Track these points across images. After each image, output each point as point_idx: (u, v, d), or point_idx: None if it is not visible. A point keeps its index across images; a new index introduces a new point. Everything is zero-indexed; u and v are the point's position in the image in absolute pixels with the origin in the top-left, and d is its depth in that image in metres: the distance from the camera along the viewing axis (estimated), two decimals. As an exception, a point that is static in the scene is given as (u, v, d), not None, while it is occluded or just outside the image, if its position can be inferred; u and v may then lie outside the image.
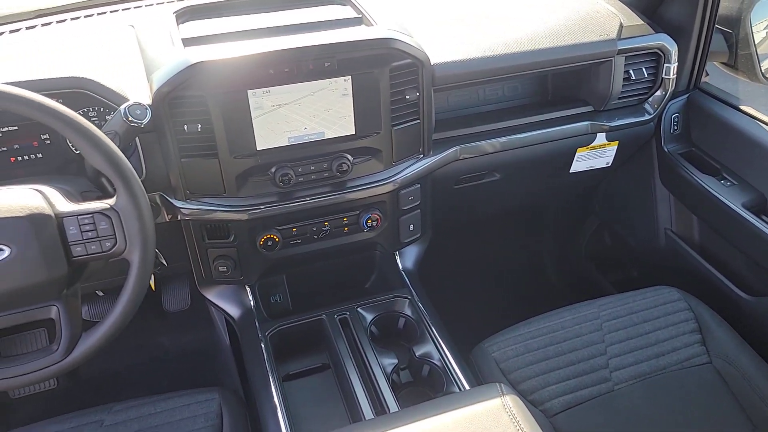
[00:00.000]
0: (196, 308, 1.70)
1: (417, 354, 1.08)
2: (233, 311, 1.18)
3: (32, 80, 0.88)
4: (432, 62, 1.10)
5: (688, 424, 1.03)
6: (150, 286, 1.05)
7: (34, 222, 0.77)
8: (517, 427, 0.77)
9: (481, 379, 1.07)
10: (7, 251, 0.75)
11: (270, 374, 1.03)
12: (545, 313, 1.21)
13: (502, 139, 1.26)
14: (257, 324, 1.13)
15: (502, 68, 1.18)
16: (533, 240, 1.90)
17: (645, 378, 1.09)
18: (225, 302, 1.19)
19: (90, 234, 0.79)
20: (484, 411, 0.79)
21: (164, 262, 1.05)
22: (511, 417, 0.79)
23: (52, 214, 0.78)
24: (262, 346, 1.08)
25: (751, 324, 1.23)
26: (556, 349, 1.13)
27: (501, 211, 1.60)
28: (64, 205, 0.81)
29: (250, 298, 1.18)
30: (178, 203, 1.05)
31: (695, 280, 1.36)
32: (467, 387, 1.00)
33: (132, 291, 0.82)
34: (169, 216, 1.06)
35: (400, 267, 1.26)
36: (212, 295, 1.19)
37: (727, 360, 1.11)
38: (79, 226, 0.79)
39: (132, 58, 1.08)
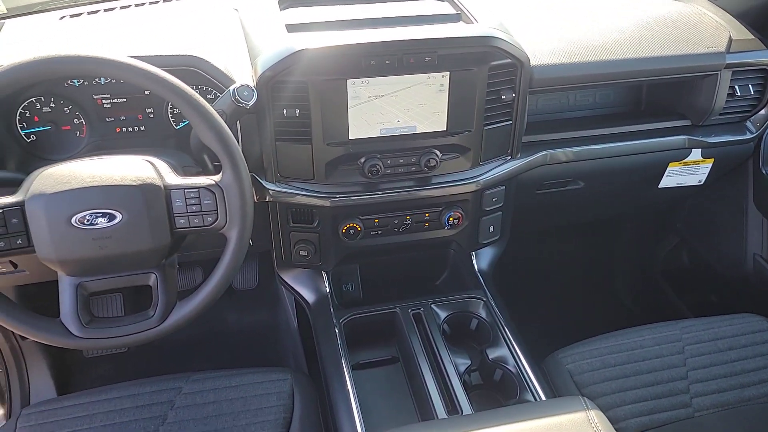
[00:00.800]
0: (263, 289, 1.74)
1: (490, 357, 1.07)
2: (308, 296, 1.20)
3: (151, 56, 0.91)
4: (532, 64, 1.08)
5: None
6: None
7: (146, 192, 0.80)
8: None
9: (554, 389, 1.05)
10: (119, 217, 0.79)
11: (343, 361, 1.04)
12: (623, 330, 1.17)
13: (593, 147, 1.23)
14: (332, 311, 1.14)
15: (602, 75, 1.15)
16: (607, 252, 1.84)
17: (728, 408, 1.05)
18: (301, 286, 1.21)
19: (194, 208, 0.82)
20: (569, 424, 0.77)
21: (251, 241, 1.08)
22: (592, 424, 0.76)
23: (162, 186, 0.81)
24: (336, 332, 1.10)
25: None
26: (635, 368, 1.09)
27: (579, 220, 1.56)
28: (172, 178, 0.84)
29: (326, 284, 1.20)
30: (267, 184, 1.08)
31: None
32: (542, 396, 0.98)
33: (227, 266, 0.84)
34: (258, 196, 1.09)
35: (476, 268, 1.25)
36: (289, 278, 1.21)
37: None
38: (185, 199, 0.82)
39: (236, 40, 1.11)
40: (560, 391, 1.04)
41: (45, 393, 1.48)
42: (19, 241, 0.78)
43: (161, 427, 0.97)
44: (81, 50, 0.76)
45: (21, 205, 0.77)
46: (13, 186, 0.83)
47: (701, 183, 1.37)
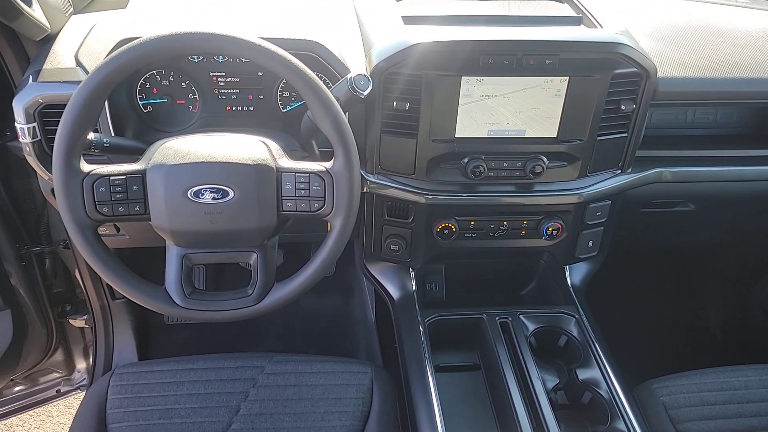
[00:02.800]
0: (340, 277, 1.75)
1: (580, 377, 1.02)
2: (393, 291, 1.18)
3: (275, 38, 0.92)
4: (658, 75, 1.02)
5: None
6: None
7: (259, 172, 0.81)
8: None
9: (647, 422, 0.99)
10: (231, 194, 0.80)
11: (426, 361, 1.02)
12: (725, 367, 1.09)
13: (711, 169, 1.15)
14: (417, 309, 1.13)
15: (735, 93, 1.07)
16: (704, 283, 1.74)
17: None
18: (387, 280, 1.20)
19: (303, 192, 0.82)
20: None
21: None
22: None
23: (274, 168, 0.82)
24: (421, 330, 1.08)
25: None
26: (737, 410, 1.02)
27: (682, 245, 1.47)
28: (284, 161, 0.84)
29: (413, 282, 1.18)
30: (366, 175, 1.07)
31: None
32: (636, 427, 0.93)
33: (328, 253, 0.84)
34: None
35: (569, 282, 1.19)
36: (375, 271, 1.20)
37: None
38: (295, 183, 0.82)
39: (351, 29, 1.11)
40: (653, 424, 0.98)
41: (126, 354, 1.55)
42: (137, 208, 0.80)
43: (243, 404, 0.99)
44: (212, 28, 0.78)
45: (143, 173, 0.79)
46: (134, 153, 0.86)
47: (824, 215, 1.26)
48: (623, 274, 1.61)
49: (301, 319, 1.71)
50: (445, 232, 1.10)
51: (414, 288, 1.18)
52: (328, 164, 0.83)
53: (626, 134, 1.06)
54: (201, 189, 0.79)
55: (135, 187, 0.79)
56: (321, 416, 0.98)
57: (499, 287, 1.31)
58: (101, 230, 1.16)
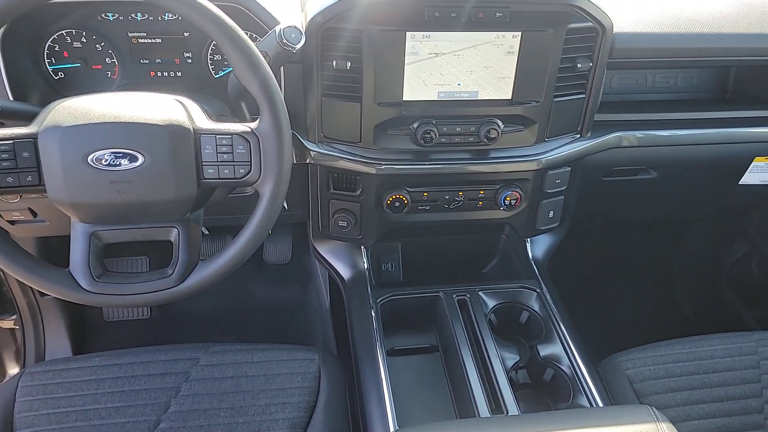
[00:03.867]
0: (296, 264, 1.65)
1: (541, 354, 0.96)
2: (344, 271, 1.10)
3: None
4: (614, 30, 0.96)
5: None
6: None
7: (173, 134, 0.71)
8: None
9: (611, 396, 0.93)
10: (141, 159, 0.70)
11: (378, 345, 0.94)
12: (690, 337, 1.05)
13: (671, 133, 1.10)
14: (369, 290, 1.04)
15: (692, 49, 1.01)
16: (670, 254, 1.70)
17: (810, 435, 0.92)
18: (336, 260, 1.11)
19: (225, 156, 0.73)
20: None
21: (285, 205, 0.98)
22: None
23: (191, 129, 0.72)
24: (372, 313, 1.00)
25: None
26: (703, 380, 0.97)
27: (647, 216, 1.43)
28: (204, 121, 0.74)
29: (365, 260, 1.10)
30: (309, 145, 0.98)
31: None
32: (599, 402, 0.87)
33: (257, 226, 0.75)
34: (297, 157, 0.99)
35: (530, 255, 1.13)
36: (324, 251, 1.12)
37: None
38: (216, 146, 0.72)
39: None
40: (618, 398, 0.93)
41: (61, 354, 1.43)
42: (29, 178, 0.69)
43: (173, 400, 0.89)
44: None
45: (34, 137, 0.68)
46: (29, 119, 0.75)
47: (788, 182, 1.23)
48: (588, 248, 1.57)
49: (255, 311, 1.61)
50: (397, 204, 1.02)
51: (366, 267, 1.09)
52: (253, 124, 0.73)
53: (584, 95, 1.00)
54: (104, 154, 0.69)
55: (26, 154, 0.68)
56: (262, 409, 0.89)
57: (459, 266, 1.24)
58: (15, 216, 1.04)
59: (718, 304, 1.60)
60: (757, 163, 1.19)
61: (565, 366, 0.94)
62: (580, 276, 1.51)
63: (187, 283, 0.76)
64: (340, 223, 1.05)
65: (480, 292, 1.05)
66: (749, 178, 1.21)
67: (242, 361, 0.95)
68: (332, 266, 1.11)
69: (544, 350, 0.97)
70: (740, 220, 1.49)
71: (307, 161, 1.00)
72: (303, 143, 0.98)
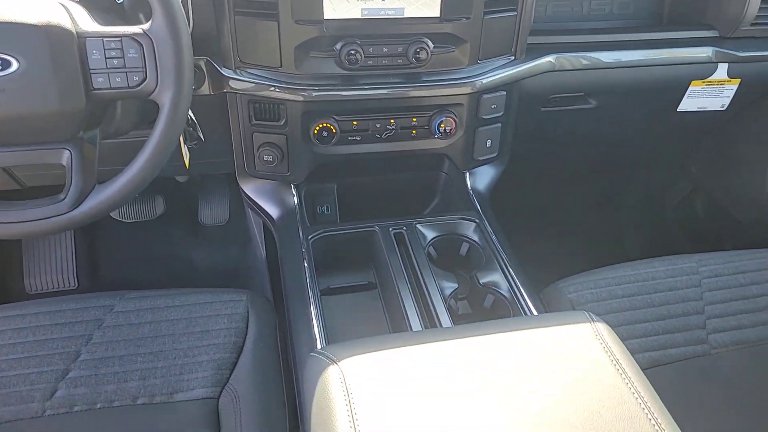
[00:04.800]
0: (234, 225, 1.57)
1: (481, 281, 0.92)
2: (273, 210, 1.03)
3: None
4: (545, -63, 0.91)
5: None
6: (184, 162, 0.92)
7: (52, 36, 0.62)
8: (612, 359, 0.60)
9: (554, 319, 0.90)
10: (15, 65, 0.61)
11: (308, 282, 0.88)
12: (633, 261, 1.03)
13: (607, 54, 1.06)
14: (299, 226, 0.98)
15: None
16: (615, 199, 1.69)
17: (750, 346, 0.92)
18: (264, 199, 1.04)
19: (116, 62, 0.65)
20: (569, 334, 0.62)
21: (202, 137, 0.91)
22: (604, 346, 0.62)
23: (74, 32, 0.64)
24: (303, 250, 0.94)
25: None
26: (645, 300, 0.95)
27: (587, 153, 1.40)
28: (89, 24, 0.66)
29: (294, 196, 1.03)
30: (226, 72, 0.91)
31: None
32: (541, 323, 0.83)
33: (158, 142, 0.68)
34: (214, 88, 0.92)
35: (469, 187, 1.08)
36: (251, 190, 1.04)
37: None
38: (104, 51, 0.65)
39: None
40: (561, 322, 0.90)
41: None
42: None
43: (84, 348, 0.81)
44: None
45: None
46: None
47: (724, 108, 1.22)
48: (530, 187, 1.54)
49: (193, 278, 1.53)
50: (324, 134, 0.96)
51: (296, 204, 1.03)
52: (146, 25, 0.66)
53: (515, 12, 0.95)
54: None
55: None
56: (184, 352, 0.82)
57: (400, 207, 1.18)
58: None
59: (663, 241, 1.60)
60: (694, 87, 1.17)
61: (505, 291, 0.90)
62: (523, 211, 1.48)
63: (83, 208, 0.68)
64: (266, 158, 0.98)
65: (418, 226, 1.00)
66: (687, 104, 1.20)
67: (162, 306, 0.87)
68: (260, 206, 1.04)
69: (484, 278, 0.93)
70: (684, 159, 1.49)
71: (225, 90, 0.92)
72: (219, 71, 0.91)
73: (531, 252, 1.16)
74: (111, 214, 1.53)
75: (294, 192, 1.04)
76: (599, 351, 0.61)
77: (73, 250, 1.43)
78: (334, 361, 0.58)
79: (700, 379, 0.88)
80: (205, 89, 0.92)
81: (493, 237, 0.98)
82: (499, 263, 0.94)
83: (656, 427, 0.54)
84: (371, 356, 0.59)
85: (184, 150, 0.91)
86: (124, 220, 1.51)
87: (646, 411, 0.55)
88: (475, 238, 1.00)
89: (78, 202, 0.68)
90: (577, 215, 1.67)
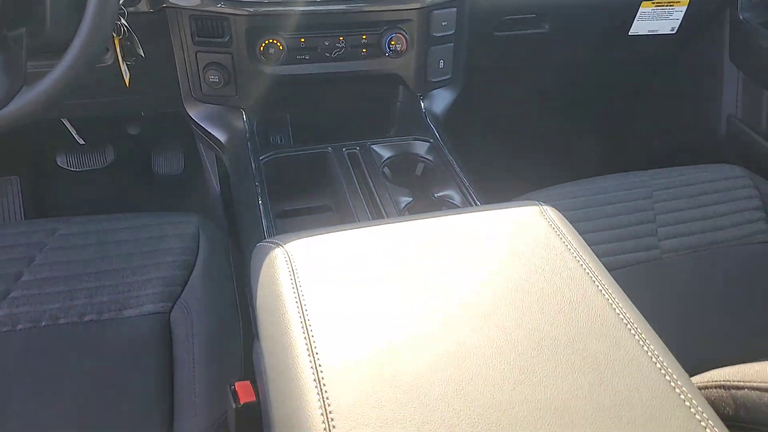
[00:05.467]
0: (190, 174, 1.54)
1: (436, 195, 0.92)
2: (221, 135, 1.00)
3: None
4: None
5: (741, 300, 0.88)
6: (124, 80, 0.88)
7: None
8: (559, 234, 0.60)
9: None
10: None
11: (260, 204, 0.86)
12: (587, 179, 1.04)
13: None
14: (249, 149, 0.96)
15: None
16: (570, 121, 1.68)
17: (697, 250, 0.94)
18: (213, 125, 1.01)
19: None
20: (515, 215, 0.62)
21: (141, 53, 0.87)
22: (552, 225, 0.61)
23: None
24: (254, 172, 0.91)
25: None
26: (600, 211, 0.96)
27: (544, 80, 1.40)
28: None
29: (245, 121, 1.00)
30: (163, -15, 0.87)
31: (760, 166, 1.18)
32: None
33: (87, 34, 0.64)
34: (153, 4, 0.88)
35: (423, 109, 1.07)
36: (199, 116, 1.01)
37: (799, 240, 0.95)
38: None
39: None
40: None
41: None
42: None
43: (26, 269, 0.78)
44: None
45: None
46: None
47: (674, 32, 1.23)
48: (487, 112, 1.52)
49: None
50: (271, 51, 0.93)
51: (246, 128, 1.00)
52: None
53: None
54: None
55: None
56: (133, 271, 0.80)
57: (355, 137, 1.17)
58: None
59: (619, 165, 1.61)
60: (644, 9, 1.18)
61: (458, 202, 0.90)
62: (479, 134, 1.47)
63: (10, 108, 0.64)
64: (212, 79, 0.95)
65: (372, 146, 0.98)
66: (638, 26, 1.21)
67: (108, 229, 0.85)
68: (208, 132, 1.01)
69: (439, 193, 0.92)
70: (638, 94, 1.50)
71: (164, 6, 0.88)
72: None
73: (487, 172, 1.16)
74: (59, 163, 1.48)
75: (244, 117, 1.01)
76: (547, 229, 0.61)
77: (20, 199, 1.38)
78: (279, 245, 0.56)
79: (651, 281, 0.90)
80: (143, 6, 0.88)
81: (449, 156, 0.98)
82: (454, 180, 0.93)
83: (613, 305, 0.54)
84: (317, 239, 0.57)
85: (123, 68, 0.87)
86: (72, 169, 1.46)
87: (601, 290, 0.55)
88: (431, 157, 0.99)
89: (4, 102, 0.64)
90: (535, 139, 1.64)
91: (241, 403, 0.61)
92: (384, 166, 0.98)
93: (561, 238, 0.60)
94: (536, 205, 0.64)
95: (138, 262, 0.81)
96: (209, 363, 0.72)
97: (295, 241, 0.57)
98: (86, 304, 0.75)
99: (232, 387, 0.62)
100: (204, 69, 0.94)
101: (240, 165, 0.93)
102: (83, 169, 1.45)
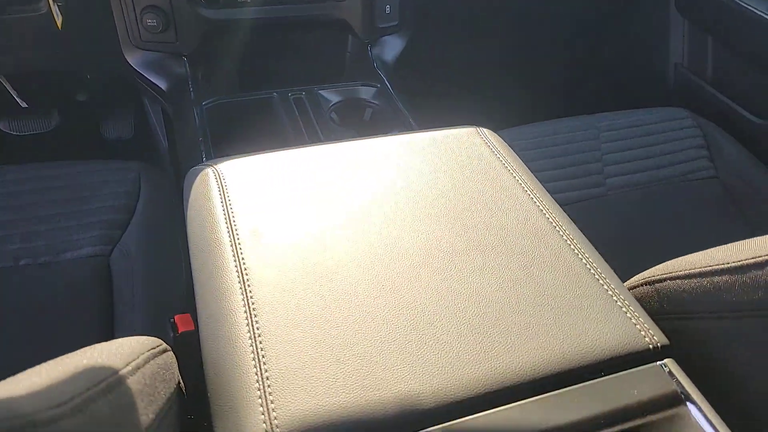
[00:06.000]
0: (140, 138, 1.49)
1: (384, 137, 0.91)
2: (162, 82, 0.97)
3: None
4: None
5: (685, 232, 0.90)
6: (56, 23, 0.85)
7: None
8: (493, 150, 0.60)
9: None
10: None
11: (203, 150, 0.84)
12: (536, 123, 1.04)
13: None
14: (192, 95, 0.93)
15: None
16: (525, 76, 1.66)
17: (642, 187, 0.96)
18: (152, 72, 0.98)
19: None
20: (451, 135, 0.62)
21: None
22: (487, 142, 0.62)
23: None
24: (196, 118, 0.89)
25: (764, 147, 1.09)
26: (547, 152, 0.97)
27: (498, 26, 1.38)
28: None
29: (187, 68, 0.98)
30: None
31: (705, 112, 1.21)
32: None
33: None
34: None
35: (372, 56, 1.06)
36: (138, 63, 0.98)
37: (739, 175, 0.97)
38: None
39: None
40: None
41: None
42: None
43: (-45, 215, 0.75)
44: None
45: None
46: None
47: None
48: (440, 54, 1.49)
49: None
50: (210, -8, 0.91)
51: (188, 73, 0.97)
52: None
53: None
54: None
55: None
56: (70, 216, 0.77)
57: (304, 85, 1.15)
58: None
59: (570, 106, 1.60)
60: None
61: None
62: (431, 82, 1.45)
63: None
64: (149, 23, 0.92)
65: (319, 92, 0.97)
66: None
67: (46, 176, 0.82)
68: (148, 80, 0.98)
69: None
70: (592, 43, 1.50)
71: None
72: None
73: (437, 118, 1.15)
74: (1, 127, 1.42)
75: (186, 63, 0.98)
76: (480, 145, 0.61)
77: None
78: (210, 165, 0.55)
79: (597, 216, 0.91)
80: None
81: (399, 103, 0.97)
82: (404, 125, 0.93)
83: (543, 210, 0.54)
84: (250, 159, 0.56)
85: (54, 9, 0.84)
86: (15, 133, 1.41)
87: (532, 197, 0.55)
88: (379, 102, 0.98)
89: None
90: (488, 87, 1.62)
91: (180, 332, 0.60)
92: (331, 111, 0.96)
93: (495, 154, 0.60)
94: (473, 127, 0.64)
95: (76, 207, 0.78)
96: (150, 303, 0.71)
97: (226, 161, 0.55)
98: (21, 249, 0.73)
99: (172, 320, 0.61)
100: (141, 13, 0.91)
101: (182, 113, 0.91)
102: (27, 133, 1.40)
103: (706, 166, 1.00)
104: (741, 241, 0.42)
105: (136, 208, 0.80)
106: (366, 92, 1.00)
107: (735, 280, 0.40)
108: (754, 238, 0.41)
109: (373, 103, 0.99)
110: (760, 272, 0.38)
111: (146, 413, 0.31)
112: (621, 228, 0.89)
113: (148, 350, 0.36)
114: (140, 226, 0.78)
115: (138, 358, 0.34)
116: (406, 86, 1.06)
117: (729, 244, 0.43)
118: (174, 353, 0.59)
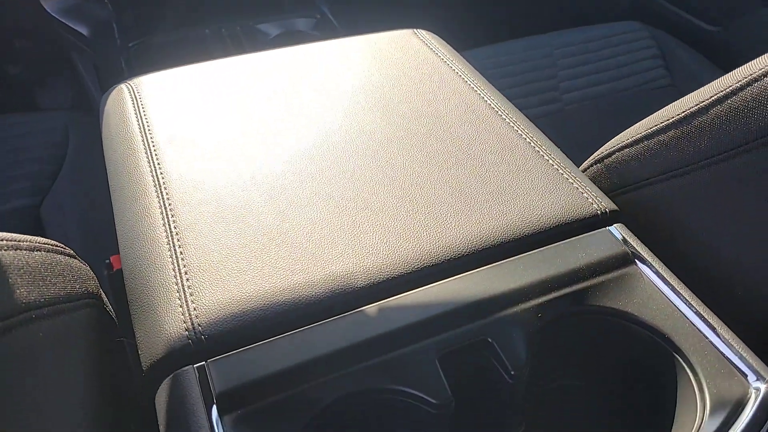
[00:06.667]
0: (78, 111, 1.41)
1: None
2: (83, 28, 0.90)
3: None
4: None
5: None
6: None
7: None
8: (432, 48, 0.56)
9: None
10: None
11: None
12: (491, 44, 1.00)
13: None
14: (116, 34, 0.87)
15: None
16: None
17: (598, 98, 0.93)
18: (71, 18, 0.91)
19: None
20: (387, 38, 0.57)
21: None
22: (425, 42, 0.58)
23: None
24: (122, 62, 0.83)
25: (719, 53, 1.07)
26: (501, 72, 0.94)
27: None
28: None
29: (110, 7, 0.91)
30: None
31: (660, 25, 1.18)
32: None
33: None
34: None
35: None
36: (56, 9, 0.91)
37: (696, 81, 0.95)
38: None
39: None
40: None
41: None
42: None
43: None
44: None
45: None
46: None
47: None
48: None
49: None
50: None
51: (112, 16, 0.91)
52: None
53: None
54: None
55: None
56: (-6, 170, 0.72)
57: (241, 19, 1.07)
58: None
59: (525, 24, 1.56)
60: None
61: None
62: (376, 8, 1.38)
63: None
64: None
65: (257, 26, 0.92)
66: None
67: (-38, 132, 0.76)
68: (67, 26, 0.91)
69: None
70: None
71: None
72: None
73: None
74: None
75: (108, 5, 0.91)
76: (421, 46, 0.57)
77: None
78: (125, 82, 0.50)
79: (555, 130, 0.89)
80: None
81: (336, 25, 0.92)
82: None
83: (485, 98, 0.51)
84: (169, 73, 0.52)
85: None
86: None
87: (473, 87, 0.52)
88: (320, 33, 0.94)
89: None
90: (445, 7, 1.56)
91: (114, 270, 0.56)
92: (269, 46, 0.91)
93: (434, 51, 0.56)
94: (410, 29, 0.60)
95: (2, 162, 0.73)
96: (85, 249, 0.66)
97: (142, 77, 0.51)
98: (-60, 207, 0.67)
99: (108, 261, 0.58)
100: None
101: (107, 53, 0.85)
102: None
103: (663, 74, 0.98)
104: (683, 97, 0.40)
105: (65, 157, 0.75)
106: (305, 24, 0.94)
107: (681, 133, 0.38)
108: (695, 91, 0.39)
109: (313, 34, 0.94)
110: (704, 117, 0.36)
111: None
112: (577, 138, 0.87)
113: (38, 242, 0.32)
114: (70, 176, 0.73)
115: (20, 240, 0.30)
116: (347, 16, 1.01)
117: (672, 103, 0.41)
118: (111, 290, 0.55)
